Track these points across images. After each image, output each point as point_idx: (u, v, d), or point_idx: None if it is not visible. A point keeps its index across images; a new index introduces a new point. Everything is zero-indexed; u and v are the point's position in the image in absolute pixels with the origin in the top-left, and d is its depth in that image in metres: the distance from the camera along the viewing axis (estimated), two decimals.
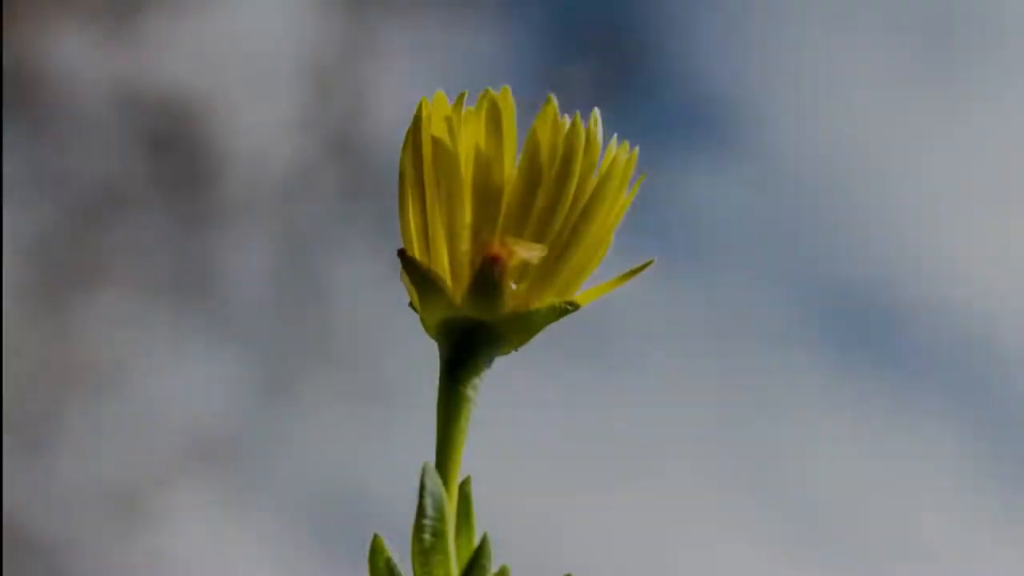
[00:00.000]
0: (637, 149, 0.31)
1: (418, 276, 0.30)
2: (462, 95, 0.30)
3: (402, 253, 0.30)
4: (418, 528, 0.28)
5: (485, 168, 0.29)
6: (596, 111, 0.31)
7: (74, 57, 1.11)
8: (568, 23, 1.10)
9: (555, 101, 0.30)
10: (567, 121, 0.30)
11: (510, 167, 0.30)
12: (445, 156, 0.29)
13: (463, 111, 0.30)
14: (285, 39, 1.12)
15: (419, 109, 0.30)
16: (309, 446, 1.07)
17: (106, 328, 1.09)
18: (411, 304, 0.31)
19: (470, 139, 0.30)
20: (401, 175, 0.31)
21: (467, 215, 0.29)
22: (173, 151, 1.11)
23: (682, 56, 1.09)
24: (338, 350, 1.08)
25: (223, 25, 1.12)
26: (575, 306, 0.30)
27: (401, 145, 0.31)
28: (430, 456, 0.29)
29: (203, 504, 1.06)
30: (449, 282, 0.29)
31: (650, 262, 0.32)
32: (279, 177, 1.06)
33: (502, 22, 1.11)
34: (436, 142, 0.30)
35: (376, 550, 0.29)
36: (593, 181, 0.30)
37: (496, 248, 0.29)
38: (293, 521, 1.05)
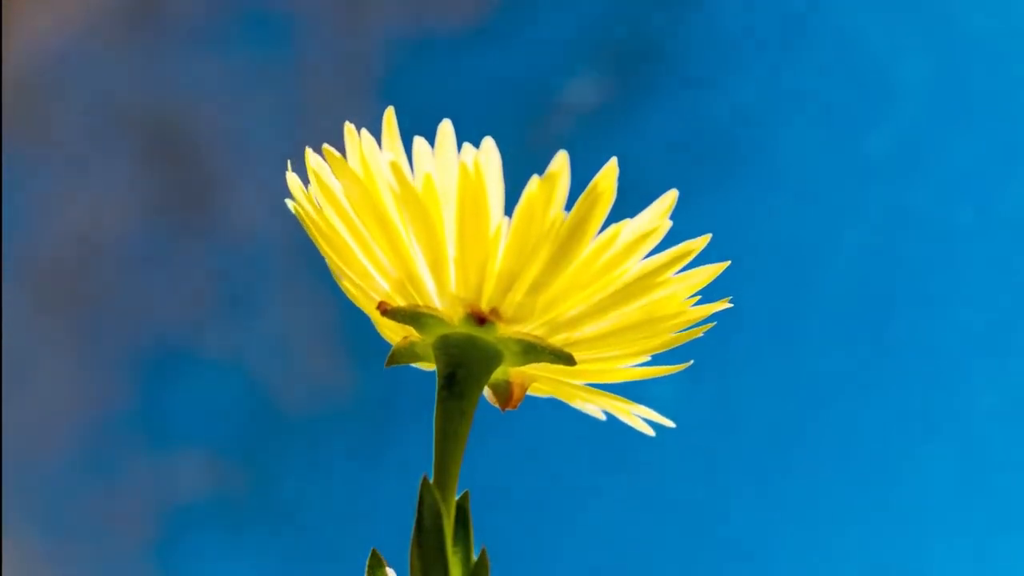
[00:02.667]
0: (708, 236, 0.29)
1: (410, 317, 0.29)
2: (389, 115, 0.29)
3: (383, 308, 0.29)
4: (416, 543, 0.28)
5: (471, 229, 0.28)
6: (674, 193, 0.28)
7: (72, 68, 1.11)
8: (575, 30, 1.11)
9: (566, 163, 0.27)
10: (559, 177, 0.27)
11: (497, 214, 0.28)
12: (411, 194, 0.28)
13: (430, 149, 0.28)
14: (287, 54, 1.12)
15: (343, 150, 0.29)
16: (308, 461, 1.07)
17: (109, 346, 1.09)
18: (390, 361, 0.30)
19: (429, 170, 0.28)
20: (327, 226, 0.29)
21: (449, 251, 0.28)
22: (176, 168, 1.11)
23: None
24: (338, 365, 1.08)
25: (224, 35, 1.12)
26: (568, 360, 0.29)
27: (307, 193, 0.29)
28: (428, 471, 0.29)
29: (209, 522, 1.06)
30: (443, 310, 0.29)
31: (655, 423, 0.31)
32: (278, 192, 1.06)
33: (510, 31, 1.11)
34: (402, 182, 0.28)
35: (374, 565, 0.29)
36: (626, 260, 0.28)
37: (483, 311, 0.29)
38: (296, 537, 1.05)
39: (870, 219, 1.01)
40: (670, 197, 0.29)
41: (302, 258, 1.07)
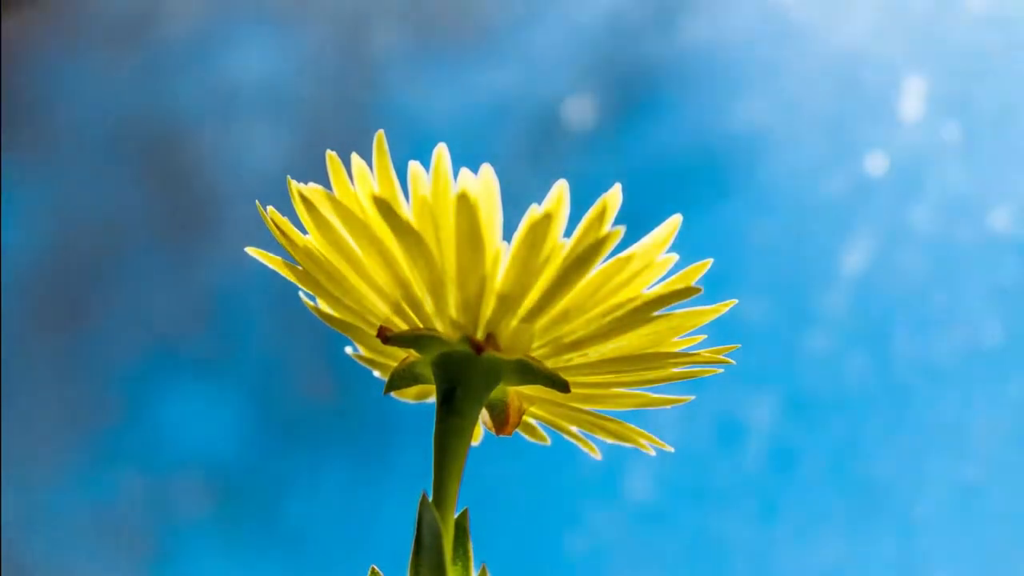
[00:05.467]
0: (710, 261, 0.28)
1: (410, 340, 0.29)
2: (380, 140, 0.28)
3: (384, 334, 0.29)
4: (415, 561, 0.28)
5: (467, 257, 0.27)
6: (678, 218, 0.28)
7: (70, 88, 1.11)
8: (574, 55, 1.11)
9: (566, 192, 0.27)
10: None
11: (495, 243, 0.28)
12: (405, 226, 0.27)
13: (428, 179, 0.28)
14: (285, 71, 1.13)
15: (334, 173, 0.28)
16: (307, 478, 1.07)
17: (106, 362, 1.09)
18: (389, 387, 0.30)
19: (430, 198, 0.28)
20: (324, 263, 0.29)
21: (446, 279, 0.28)
22: (174, 186, 1.11)
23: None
24: (337, 383, 1.08)
25: (223, 56, 1.12)
26: (562, 386, 0.29)
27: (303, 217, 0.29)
28: (427, 488, 0.29)
29: (207, 541, 1.06)
30: (442, 330, 0.29)
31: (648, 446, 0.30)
32: (281, 213, 1.06)
33: (506, 52, 1.11)
34: (395, 215, 0.27)
35: None
36: (626, 290, 0.28)
37: (479, 340, 0.29)
38: (295, 555, 1.05)
39: (870, 240, 1.01)
40: (673, 223, 0.28)
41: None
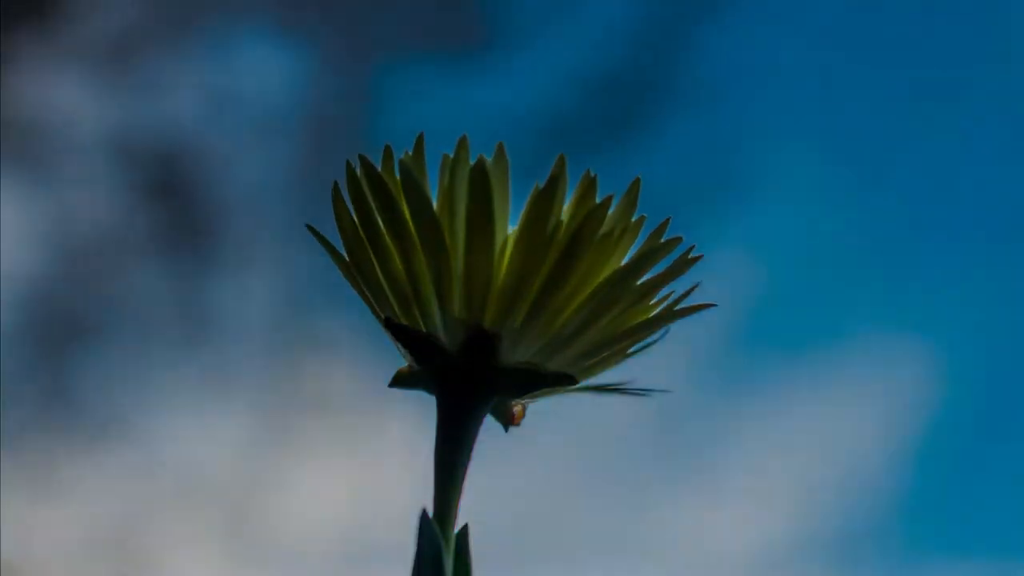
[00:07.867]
0: (670, 218, 0.29)
1: (411, 341, 0.29)
2: (420, 139, 0.29)
3: (389, 322, 0.29)
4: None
5: (477, 230, 0.28)
6: (639, 178, 0.29)
7: (72, 105, 1.11)
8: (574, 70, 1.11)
9: (565, 171, 0.28)
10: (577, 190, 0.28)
11: (503, 228, 0.28)
12: (426, 211, 0.28)
13: (453, 159, 0.28)
14: (285, 86, 1.13)
15: (381, 158, 0.29)
16: (307, 493, 1.07)
17: (104, 378, 1.09)
18: (393, 383, 0.30)
19: (451, 188, 0.28)
20: (354, 237, 0.29)
21: (458, 272, 0.28)
22: (171, 200, 1.11)
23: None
24: (338, 396, 1.08)
25: (223, 72, 1.12)
26: (570, 380, 0.29)
27: (345, 202, 0.29)
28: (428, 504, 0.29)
29: (201, 554, 1.06)
30: (444, 337, 0.29)
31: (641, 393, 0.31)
32: (278, 225, 1.07)
33: (506, 67, 1.11)
34: (412, 196, 0.28)
35: None
36: (612, 261, 0.28)
37: (486, 327, 0.29)
38: (292, 568, 1.04)
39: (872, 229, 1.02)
40: (635, 185, 0.29)
41: (298, 286, 1.07)
